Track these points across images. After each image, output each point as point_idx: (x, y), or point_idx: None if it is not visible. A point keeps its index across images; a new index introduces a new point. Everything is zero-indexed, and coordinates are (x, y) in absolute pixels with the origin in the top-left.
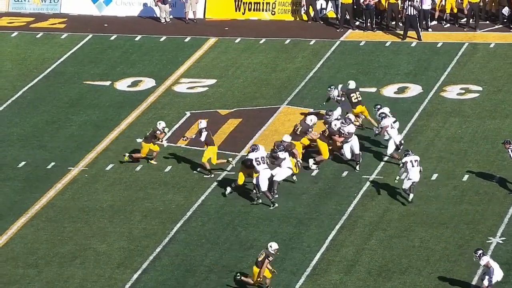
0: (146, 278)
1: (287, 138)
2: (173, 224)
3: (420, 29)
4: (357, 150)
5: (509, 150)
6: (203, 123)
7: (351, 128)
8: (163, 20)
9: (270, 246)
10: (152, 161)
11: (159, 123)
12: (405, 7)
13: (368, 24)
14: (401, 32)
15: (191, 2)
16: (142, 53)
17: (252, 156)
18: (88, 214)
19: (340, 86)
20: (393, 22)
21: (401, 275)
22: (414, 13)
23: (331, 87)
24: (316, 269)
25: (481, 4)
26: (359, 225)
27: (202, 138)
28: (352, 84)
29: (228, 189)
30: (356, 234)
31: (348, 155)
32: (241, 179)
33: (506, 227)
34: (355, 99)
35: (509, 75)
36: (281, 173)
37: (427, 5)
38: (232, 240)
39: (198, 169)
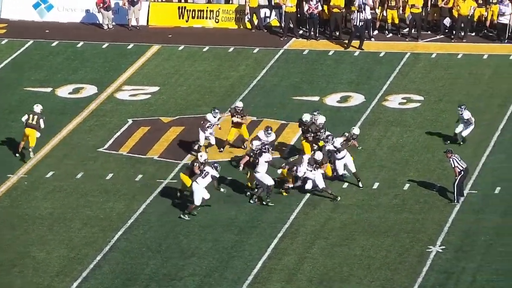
0: (86, 286)
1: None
2: (114, 232)
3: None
4: (353, 168)
5: (451, 159)
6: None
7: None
8: (105, 27)
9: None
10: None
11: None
12: (353, 18)
13: (312, 33)
14: (345, 41)
15: (134, 9)
16: (84, 60)
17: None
18: (28, 221)
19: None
20: (337, 32)
21: (342, 283)
22: (362, 24)
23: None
24: (258, 278)
25: (423, 14)
26: (301, 234)
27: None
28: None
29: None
30: (298, 243)
31: (340, 171)
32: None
33: (446, 236)
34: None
35: (450, 85)
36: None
37: (368, 15)
38: (173, 248)
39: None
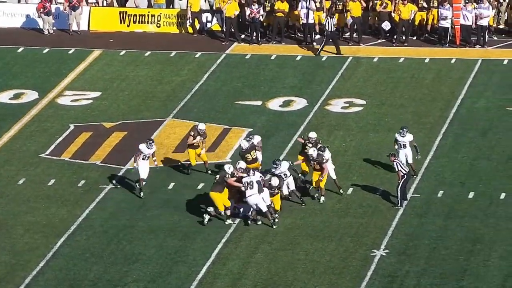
0: None
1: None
2: (56, 238)
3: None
4: (333, 175)
5: (395, 163)
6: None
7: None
8: (46, 32)
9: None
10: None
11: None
12: (325, 24)
13: (254, 37)
14: (287, 45)
15: (75, 13)
16: (24, 65)
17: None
18: None
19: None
20: (278, 38)
21: (286, 287)
22: (333, 29)
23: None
24: (202, 283)
25: (362, 19)
26: (245, 239)
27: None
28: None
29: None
30: (242, 247)
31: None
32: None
33: (389, 239)
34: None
35: (391, 89)
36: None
37: (311, 19)
38: (117, 254)
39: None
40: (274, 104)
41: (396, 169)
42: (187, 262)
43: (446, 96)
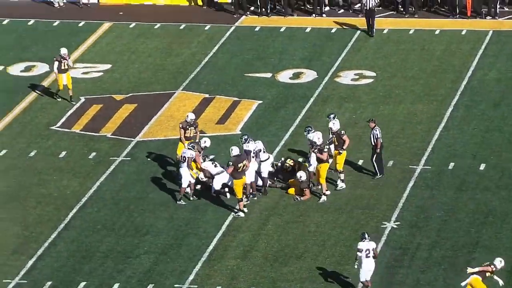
0: (41, 264)
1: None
2: (68, 210)
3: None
4: None
5: (376, 129)
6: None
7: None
8: (56, 5)
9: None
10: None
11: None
12: (364, 1)
13: (263, 9)
14: (297, 17)
15: None
16: (35, 38)
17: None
18: None
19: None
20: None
21: (298, 260)
22: (373, 7)
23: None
24: (213, 255)
25: None
26: (255, 211)
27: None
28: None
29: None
30: (252, 220)
31: None
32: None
33: (400, 211)
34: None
35: (402, 61)
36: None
37: None
38: (128, 226)
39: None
40: (284, 76)
41: (377, 136)
42: (197, 234)
43: (457, 68)
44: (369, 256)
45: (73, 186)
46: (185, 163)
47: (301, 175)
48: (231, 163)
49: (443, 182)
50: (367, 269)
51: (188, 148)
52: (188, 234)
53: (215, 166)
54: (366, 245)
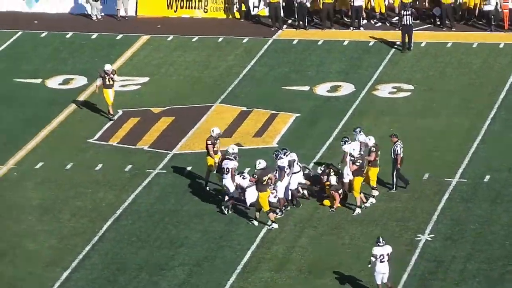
0: (76, 276)
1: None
2: (103, 222)
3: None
4: None
5: (398, 145)
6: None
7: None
8: (94, 18)
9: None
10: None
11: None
12: (401, 16)
13: (301, 22)
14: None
15: None
16: (73, 51)
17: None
18: (17, 212)
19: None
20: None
21: (332, 272)
22: (410, 23)
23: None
24: (247, 267)
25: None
26: (289, 223)
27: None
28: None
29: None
30: (286, 232)
31: None
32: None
33: (434, 224)
34: None
35: (440, 74)
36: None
37: (359, 2)
38: (162, 238)
39: None
40: (322, 89)
41: (398, 152)
42: (232, 247)
43: (494, 81)
44: (383, 261)
45: (109, 199)
46: (228, 174)
47: (331, 179)
48: (256, 176)
49: (479, 195)
50: (380, 272)
51: (230, 159)
52: (222, 246)
53: (243, 178)
54: (381, 250)
